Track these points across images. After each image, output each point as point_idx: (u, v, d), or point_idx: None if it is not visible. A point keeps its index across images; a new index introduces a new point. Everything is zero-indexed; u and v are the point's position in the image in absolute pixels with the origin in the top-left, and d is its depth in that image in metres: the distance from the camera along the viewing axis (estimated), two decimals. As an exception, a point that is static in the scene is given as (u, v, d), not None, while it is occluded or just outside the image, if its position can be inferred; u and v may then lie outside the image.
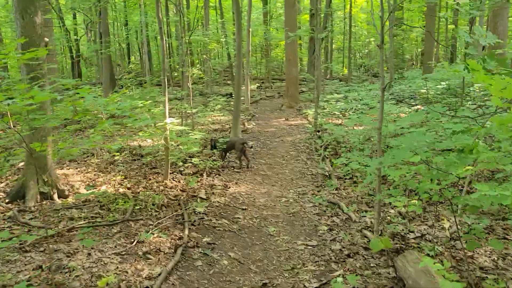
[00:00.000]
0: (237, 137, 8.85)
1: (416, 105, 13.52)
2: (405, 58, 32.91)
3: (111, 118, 11.03)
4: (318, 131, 10.58)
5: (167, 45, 29.91)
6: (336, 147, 8.97)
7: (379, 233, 4.35)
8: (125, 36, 27.66)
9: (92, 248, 4.26)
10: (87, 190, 6.07)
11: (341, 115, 12.78)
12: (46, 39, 7.78)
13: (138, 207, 5.49)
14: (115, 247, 4.36)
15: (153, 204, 5.58)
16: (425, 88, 13.73)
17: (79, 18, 29.73)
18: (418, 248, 4.17)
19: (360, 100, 14.45)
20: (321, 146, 9.05)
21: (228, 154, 8.67)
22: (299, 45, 23.59)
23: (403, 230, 4.67)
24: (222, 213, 5.59)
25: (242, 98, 14.99)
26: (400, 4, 27.62)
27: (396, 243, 4.36)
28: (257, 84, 24.23)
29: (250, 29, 14.40)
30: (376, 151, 7.68)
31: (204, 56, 19.02)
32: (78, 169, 7.42)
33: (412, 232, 4.64)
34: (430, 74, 15.91)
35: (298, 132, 11.40)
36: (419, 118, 3.71)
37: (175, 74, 23.98)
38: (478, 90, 13.19)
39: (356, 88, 19.63)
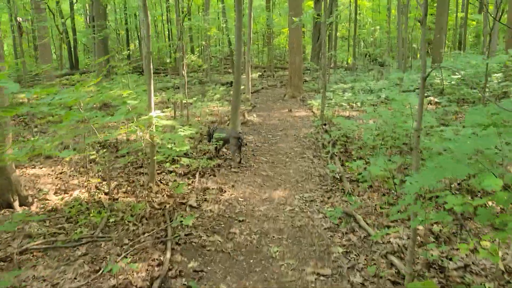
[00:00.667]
0: (233, 130, 7.82)
1: (429, 96, 12.46)
2: (413, 47, 31.63)
3: (99, 110, 10.02)
4: (325, 124, 9.55)
5: (167, 32, 28.75)
6: (346, 143, 7.95)
7: (412, 261, 3.35)
8: (123, 21, 26.39)
9: (44, 281, 3.29)
10: (56, 196, 5.09)
11: (348, 106, 11.72)
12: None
13: (113, 220, 4.50)
14: (75, 278, 3.38)
15: (131, 216, 4.59)
16: (439, 78, 12.63)
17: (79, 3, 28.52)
18: (464, 286, 3.18)
19: (370, 90, 13.38)
20: (329, 142, 8.02)
21: (223, 149, 7.68)
22: (302, 32, 22.43)
23: (439, 257, 3.67)
24: (214, 227, 4.60)
25: (243, 87, 13.93)
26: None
27: (434, 276, 3.38)
28: (258, 72, 23.12)
29: (252, 14, 13.25)
30: (393, 149, 6.75)
31: (203, 42, 17.85)
32: (53, 168, 6.42)
33: (451, 259, 3.64)
34: (444, 63, 14.82)
35: (302, 125, 10.36)
36: (482, 118, 2.60)
37: (171, 61, 22.84)
38: (496, 81, 12.11)
39: (363, 77, 18.55)
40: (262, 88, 19.03)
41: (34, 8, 14.00)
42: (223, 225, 4.66)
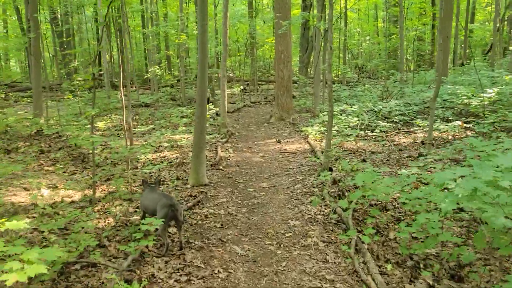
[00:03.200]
0: (164, 193, 4.41)
1: (457, 120, 9.30)
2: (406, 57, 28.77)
3: None
4: (331, 169, 6.25)
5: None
6: (378, 218, 4.61)
7: None
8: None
9: None
10: None
11: (351, 133, 8.43)
12: None
13: None
14: None
15: None
16: (480, 94, 9.46)
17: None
18: None
19: (377, 112, 10.17)
20: (345, 209, 4.69)
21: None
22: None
23: None
24: None
25: (217, 109, 10.55)
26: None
27: None
28: (241, 86, 19.80)
29: (228, 15, 9.92)
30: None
31: (171, 52, 14.46)
32: None
33: None
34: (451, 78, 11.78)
35: (297, 166, 7.01)
36: None
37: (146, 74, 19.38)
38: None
39: (360, 93, 15.38)
40: (244, 105, 15.71)
41: None
42: None
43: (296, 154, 7.87)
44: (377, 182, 4.36)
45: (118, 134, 9.53)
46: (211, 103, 15.08)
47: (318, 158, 7.00)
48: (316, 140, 8.66)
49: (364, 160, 7.05)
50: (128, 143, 7.84)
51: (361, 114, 9.72)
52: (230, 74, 28.22)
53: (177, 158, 7.44)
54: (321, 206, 5.04)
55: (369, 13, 29.44)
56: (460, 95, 10.26)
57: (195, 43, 18.25)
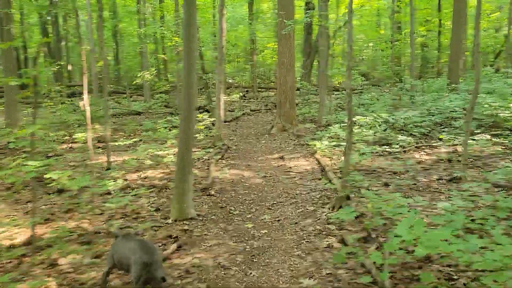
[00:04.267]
0: (144, 242, 3.11)
1: (483, 133, 8.02)
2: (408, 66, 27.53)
3: None
4: (349, 197, 4.93)
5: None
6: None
7: None
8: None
9: None
10: None
11: (373, 148, 7.11)
12: None
13: None
14: None
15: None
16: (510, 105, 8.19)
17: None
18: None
19: (392, 123, 8.87)
20: (379, 266, 3.35)
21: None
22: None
23: None
24: None
25: (213, 119, 9.26)
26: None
27: None
28: (240, 93, 18.49)
29: (225, 12, 8.64)
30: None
31: (163, 56, 13.18)
32: None
33: None
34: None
35: (306, 191, 5.68)
36: None
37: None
38: None
39: (369, 101, 14.11)
40: (243, 114, 14.42)
41: None
42: None
43: (303, 174, 6.54)
44: (420, 225, 3.04)
45: (98, 147, 8.21)
46: (207, 112, 13.79)
47: (331, 183, 5.67)
48: (325, 156, 7.35)
49: (386, 185, 5.73)
50: (105, 160, 6.55)
51: (375, 126, 8.42)
52: (230, 80, 26.96)
53: (161, 180, 6.12)
54: (341, 241, 3.70)
55: (372, 19, 28.27)
56: (486, 104, 8.97)
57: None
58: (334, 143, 7.56)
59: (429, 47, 25.55)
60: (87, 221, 4.52)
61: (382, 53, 26.87)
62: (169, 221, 4.53)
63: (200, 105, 15.13)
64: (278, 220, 4.67)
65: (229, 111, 15.43)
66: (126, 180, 6.11)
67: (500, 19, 31.24)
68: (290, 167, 6.97)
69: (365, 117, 9.18)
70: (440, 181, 5.89)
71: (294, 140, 9.34)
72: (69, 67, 25.92)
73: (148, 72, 11.41)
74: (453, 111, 9.98)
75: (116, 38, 23.06)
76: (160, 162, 6.83)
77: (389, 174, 6.38)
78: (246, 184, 6.09)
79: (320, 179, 6.18)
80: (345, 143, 7.28)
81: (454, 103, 10.47)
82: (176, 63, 14.53)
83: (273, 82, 26.98)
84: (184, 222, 4.52)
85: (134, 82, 13.22)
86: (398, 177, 6.19)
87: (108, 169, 6.59)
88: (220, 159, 7.47)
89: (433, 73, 25.78)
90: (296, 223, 4.57)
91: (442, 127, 9.57)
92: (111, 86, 23.14)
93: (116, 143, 7.79)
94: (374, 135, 7.88)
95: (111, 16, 20.46)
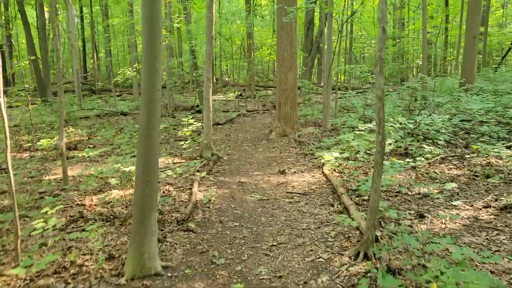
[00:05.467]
0: None
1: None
2: (415, 63, 26.06)
3: None
4: (377, 239, 3.50)
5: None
6: None
7: None
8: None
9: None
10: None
11: (400, 165, 5.65)
12: None
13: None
14: None
15: None
16: None
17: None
18: None
19: (411, 130, 7.41)
20: None
21: None
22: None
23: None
24: None
25: (199, 124, 7.81)
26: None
27: None
28: (236, 92, 16.98)
29: (214, 12, 7.14)
30: None
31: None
32: None
33: None
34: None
35: (316, 225, 4.21)
36: None
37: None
38: None
39: (376, 101, 12.63)
40: (239, 114, 12.96)
41: None
42: None
43: (310, 196, 5.09)
44: None
45: (54, 158, 6.74)
46: (198, 112, 12.31)
47: (349, 213, 4.23)
48: (336, 171, 5.91)
49: (421, 216, 4.30)
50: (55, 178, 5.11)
51: (392, 133, 6.97)
52: (226, 78, 25.48)
53: (128, 205, 4.66)
54: None
55: (374, 15, 26.76)
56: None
57: (187, 43, 15.49)
58: (345, 155, 6.09)
59: (435, 44, 24.05)
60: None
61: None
62: (123, 280, 3.08)
63: (193, 105, 13.67)
64: (280, 277, 3.22)
65: (223, 111, 13.98)
66: (82, 205, 4.66)
67: (506, 15, 29.72)
68: (293, 186, 5.51)
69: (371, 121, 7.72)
70: (489, 210, 4.46)
71: (296, 148, 7.89)
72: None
73: (130, 69, 9.89)
74: (480, 114, 8.57)
75: (108, 33, 21.52)
76: (131, 179, 5.37)
77: (418, 197, 4.95)
78: (237, 212, 4.63)
79: (332, 205, 4.73)
80: (351, 149, 5.83)
81: (478, 105, 9.04)
82: (166, 58, 13.04)
83: (272, 80, 25.49)
84: (144, 282, 3.07)
85: (114, 80, 11.71)
86: (431, 202, 4.76)
87: (63, 189, 5.13)
88: (207, 174, 6.00)
89: (439, 71, 24.34)
90: (305, 282, 3.12)
91: (467, 133, 8.16)
92: (102, 84, 21.62)
93: (85, 153, 6.30)
94: (396, 145, 6.43)
95: (101, 10, 18.93)
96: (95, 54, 20.56)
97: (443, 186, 5.20)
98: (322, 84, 23.09)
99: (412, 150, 6.71)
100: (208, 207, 4.74)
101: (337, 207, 4.64)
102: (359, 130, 6.70)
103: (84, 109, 12.57)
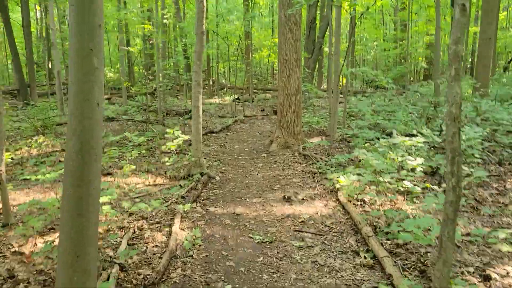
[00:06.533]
0: None
1: None
2: (420, 67, 24.78)
3: None
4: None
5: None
6: None
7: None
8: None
9: None
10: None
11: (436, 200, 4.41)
12: None
13: None
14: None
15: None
16: None
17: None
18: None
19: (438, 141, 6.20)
20: None
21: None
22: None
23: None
24: None
25: (188, 136, 6.53)
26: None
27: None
28: (234, 95, 15.72)
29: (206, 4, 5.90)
30: None
31: (128, 48, 10.43)
32: None
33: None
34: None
35: (338, 289, 2.97)
36: None
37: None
38: None
39: (385, 107, 11.39)
40: (236, 121, 11.71)
41: None
42: None
43: (327, 238, 3.84)
44: None
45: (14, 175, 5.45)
46: (191, 118, 11.04)
47: (382, 267, 2.98)
48: (355, 199, 4.66)
49: (487, 279, 3.05)
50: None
51: (419, 149, 5.73)
52: (223, 81, 24.24)
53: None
54: None
55: (376, 17, 25.56)
56: None
57: (176, 40, 14.22)
58: (366, 178, 4.84)
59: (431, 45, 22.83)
60: None
61: (386, 53, 24.24)
62: None
63: (185, 110, 12.39)
64: None
65: (219, 116, 12.72)
66: (21, 254, 3.39)
67: (509, 19, 28.63)
68: (303, 221, 4.25)
69: (397, 135, 6.49)
70: None
71: (301, 164, 6.63)
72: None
73: (112, 70, 8.62)
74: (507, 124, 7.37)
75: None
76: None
77: (467, 244, 3.70)
78: (231, 264, 3.37)
79: (357, 253, 3.48)
80: (381, 178, 4.60)
81: (506, 114, 7.85)
82: (159, 58, 11.77)
83: (270, 83, 24.25)
84: None
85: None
86: (489, 250, 3.52)
87: (3, 225, 3.87)
88: (194, 202, 4.73)
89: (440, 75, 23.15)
90: None
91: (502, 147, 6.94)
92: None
93: (40, 176, 5.02)
94: (427, 165, 5.19)
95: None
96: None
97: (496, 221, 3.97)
98: (322, 88, 21.89)
99: (443, 170, 5.47)
100: (192, 256, 3.47)
101: (365, 257, 3.39)
102: (380, 147, 5.43)
103: (65, 114, 11.29)
